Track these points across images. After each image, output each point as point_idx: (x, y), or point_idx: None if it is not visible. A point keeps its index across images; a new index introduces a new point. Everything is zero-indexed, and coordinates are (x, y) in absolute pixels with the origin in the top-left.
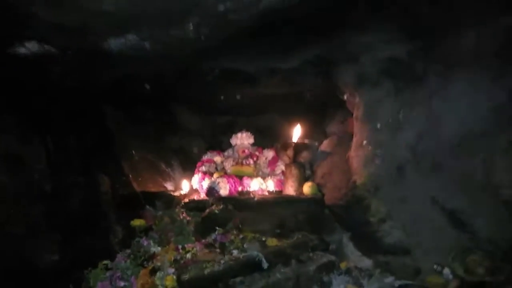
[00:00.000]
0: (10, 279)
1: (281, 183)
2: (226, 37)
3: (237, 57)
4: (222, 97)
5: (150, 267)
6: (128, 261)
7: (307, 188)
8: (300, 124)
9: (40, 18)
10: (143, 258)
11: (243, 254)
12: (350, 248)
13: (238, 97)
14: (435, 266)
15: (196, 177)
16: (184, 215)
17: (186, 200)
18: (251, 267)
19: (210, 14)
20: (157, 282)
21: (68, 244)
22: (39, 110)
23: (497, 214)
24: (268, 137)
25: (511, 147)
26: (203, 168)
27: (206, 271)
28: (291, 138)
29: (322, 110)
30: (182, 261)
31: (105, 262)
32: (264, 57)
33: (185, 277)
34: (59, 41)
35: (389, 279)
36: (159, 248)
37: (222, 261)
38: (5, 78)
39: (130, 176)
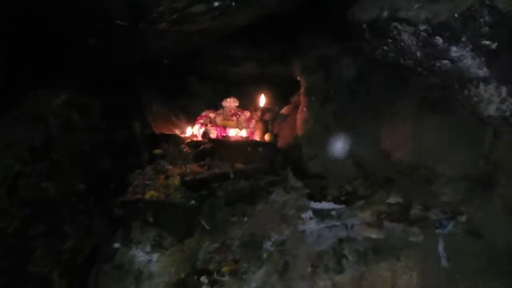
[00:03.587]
0: (85, 174)
1: (252, 133)
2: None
3: (227, 47)
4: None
5: (165, 175)
6: (152, 171)
7: (267, 136)
8: (265, 94)
9: None
10: (161, 170)
11: (220, 170)
12: (291, 175)
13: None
14: None
15: (196, 126)
16: (187, 149)
17: (189, 140)
18: (224, 177)
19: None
20: (169, 182)
21: (116, 158)
22: (96, 77)
23: (378, 158)
24: (249, 101)
25: (396, 118)
26: (201, 121)
27: (198, 177)
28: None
29: (288, 86)
30: (184, 172)
31: (138, 170)
32: (243, 48)
33: (186, 179)
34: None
35: (306, 191)
36: (171, 167)
37: (207, 173)
38: (78, 57)
39: (152, 123)
